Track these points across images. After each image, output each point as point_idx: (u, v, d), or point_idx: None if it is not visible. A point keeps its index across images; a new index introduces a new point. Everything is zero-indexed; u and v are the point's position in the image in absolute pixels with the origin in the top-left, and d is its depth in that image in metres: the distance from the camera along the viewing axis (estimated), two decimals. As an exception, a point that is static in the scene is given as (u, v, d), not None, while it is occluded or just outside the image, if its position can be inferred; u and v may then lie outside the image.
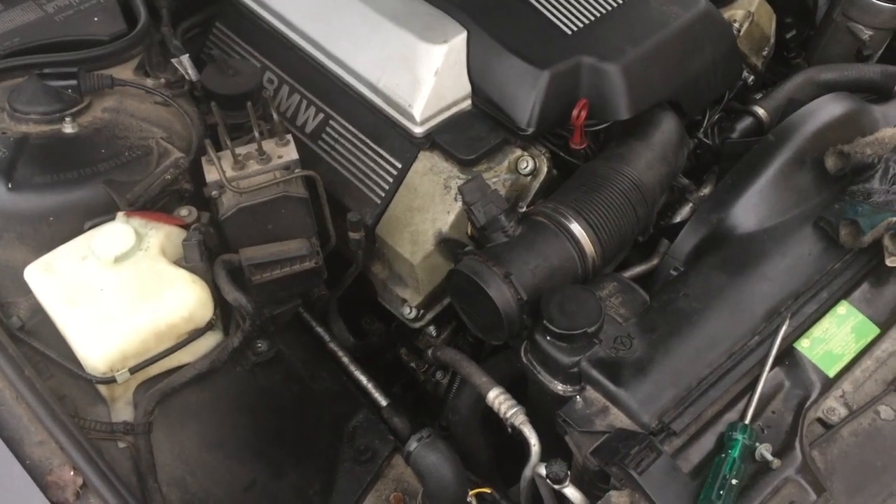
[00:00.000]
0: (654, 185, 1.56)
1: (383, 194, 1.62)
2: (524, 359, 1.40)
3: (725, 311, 1.37)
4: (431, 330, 1.72)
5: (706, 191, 1.79)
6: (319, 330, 1.78)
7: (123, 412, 1.31)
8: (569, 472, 1.23)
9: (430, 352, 1.66)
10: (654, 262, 1.66)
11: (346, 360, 1.76)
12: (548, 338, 1.34)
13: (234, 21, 1.88)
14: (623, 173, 1.52)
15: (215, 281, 1.37)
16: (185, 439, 1.35)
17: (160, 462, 1.31)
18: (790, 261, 1.43)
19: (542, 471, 1.27)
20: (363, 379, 1.74)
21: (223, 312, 1.42)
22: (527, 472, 1.38)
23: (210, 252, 1.40)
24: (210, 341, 1.38)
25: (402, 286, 1.65)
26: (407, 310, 1.64)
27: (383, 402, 1.70)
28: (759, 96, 1.94)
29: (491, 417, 1.62)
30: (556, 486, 1.24)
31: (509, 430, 1.46)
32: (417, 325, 1.66)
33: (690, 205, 1.77)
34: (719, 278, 1.41)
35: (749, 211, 1.50)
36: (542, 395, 1.39)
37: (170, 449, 1.33)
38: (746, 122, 1.81)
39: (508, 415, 1.40)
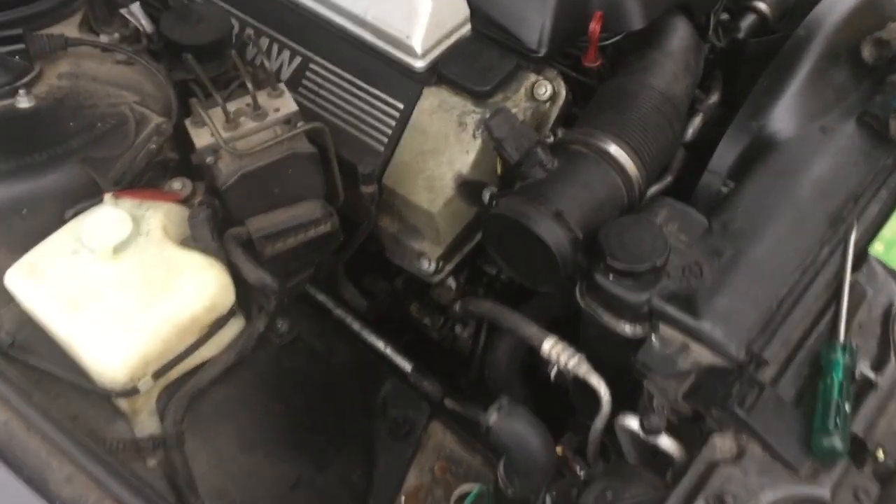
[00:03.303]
0: (682, 96, 1.44)
1: (386, 140, 1.45)
2: (581, 302, 1.27)
3: (789, 224, 1.27)
4: (450, 282, 1.58)
5: (714, 98, 1.68)
6: (323, 298, 1.62)
7: (148, 425, 1.13)
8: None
9: (457, 306, 1.52)
10: (668, 179, 1.55)
11: (357, 326, 1.60)
12: (610, 276, 1.21)
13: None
14: (652, 87, 1.39)
15: (230, 259, 1.19)
16: (220, 444, 1.19)
17: (198, 475, 1.15)
18: (841, 161, 1.34)
19: (633, 423, 1.16)
20: (381, 344, 1.59)
21: (239, 295, 1.24)
22: (597, 424, 1.27)
23: (216, 227, 1.21)
24: (234, 329, 1.21)
25: (417, 239, 1.50)
26: (426, 264, 1.49)
27: (408, 367, 1.56)
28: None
29: (531, 369, 1.51)
30: (650, 438, 1.13)
31: (559, 378, 1.35)
32: (437, 278, 1.52)
33: (701, 115, 1.66)
34: (774, 189, 1.31)
35: (790, 113, 1.39)
36: (604, 339, 1.27)
37: (206, 458, 1.17)
38: (750, 19, 1.70)
39: (570, 364, 1.28)
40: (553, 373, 1.43)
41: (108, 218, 1.12)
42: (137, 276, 1.10)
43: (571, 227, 1.23)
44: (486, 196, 1.42)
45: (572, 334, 1.35)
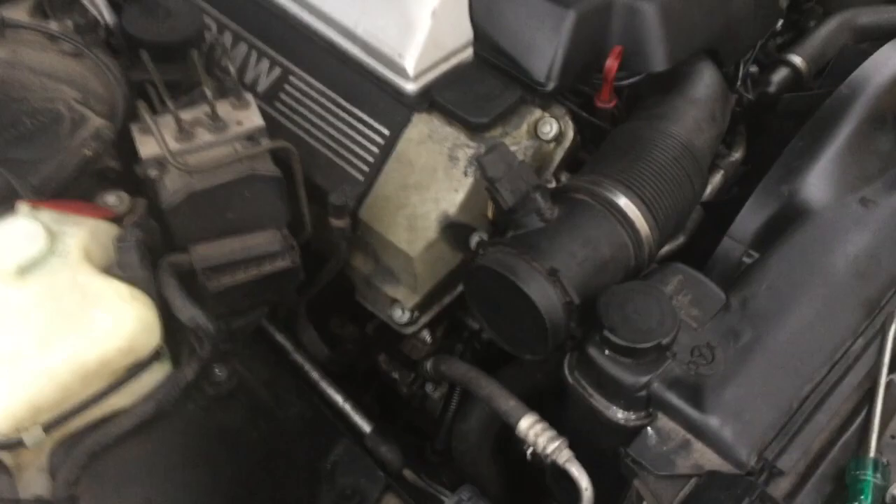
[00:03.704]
0: (705, 149, 1.27)
1: (367, 169, 1.28)
2: (569, 377, 1.09)
3: (818, 308, 1.09)
4: (425, 335, 1.39)
5: (738, 155, 1.52)
6: (282, 339, 1.43)
7: (35, 484, 0.94)
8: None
9: (427, 364, 1.34)
10: (680, 240, 1.37)
11: (316, 375, 1.41)
12: (606, 352, 1.03)
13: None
14: (672, 135, 1.21)
15: (161, 293, 1.00)
16: (118, 506, 0.99)
17: (94, 546, 0.95)
18: (882, 238, 1.16)
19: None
20: (339, 399, 1.40)
21: (169, 334, 1.05)
22: (579, 521, 1.08)
23: (151, 253, 1.03)
24: (156, 375, 1.02)
25: (392, 283, 1.32)
26: (398, 312, 1.31)
27: (366, 428, 1.37)
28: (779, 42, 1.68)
29: (506, 443, 1.32)
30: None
31: (536, 460, 1.16)
32: (410, 329, 1.33)
33: (722, 172, 1.49)
34: (804, 266, 1.13)
35: (826, 180, 1.22)
36: (591, 424, 1.09)
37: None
38: (782, 73, 1.54)
39: (549, 450, 1.10)
40: (529, 452, 1.25)
41: (18, 231, 0.94)
42: (42, 304, 0.92)
43: (567, 290, 1.06)
44: (474, 242, 1.25)
45: (555, 409, 1.17)
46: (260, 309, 1.21)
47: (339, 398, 1.39)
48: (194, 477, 1.07)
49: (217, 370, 1.12)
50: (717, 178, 1.49)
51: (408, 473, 1.32)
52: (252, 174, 1.06)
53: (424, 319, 1.33)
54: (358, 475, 1.28)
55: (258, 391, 1.25)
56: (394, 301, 1.31)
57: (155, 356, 0.99)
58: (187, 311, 0.99)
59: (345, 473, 1.28)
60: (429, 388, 1.48)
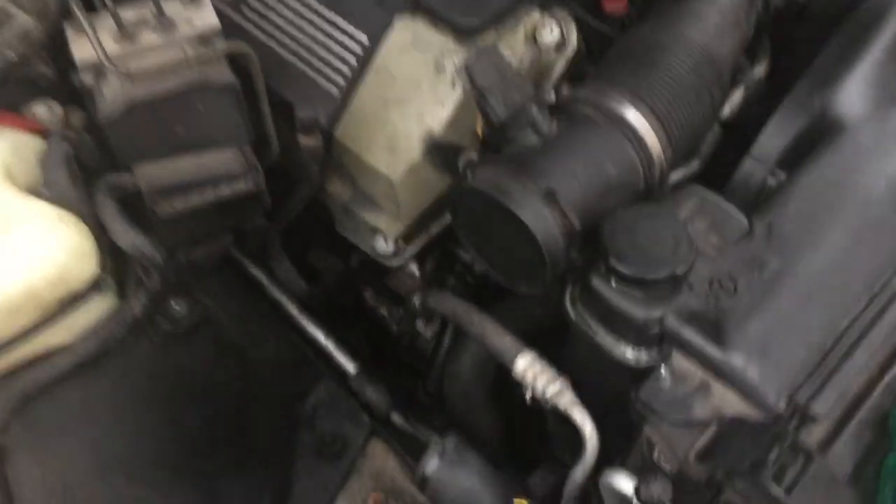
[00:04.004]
0: (727, 58, 1.11)
1: (343, 82, 1.13)
2: (571, 312, 0.96)
3: (855, 233, 0.96)
4: (412, 268, 1.26)
5: (761, 69, 1.36)
6: (256, 272, 1.31)
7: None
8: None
9: (415, 299, 1.21)
10: (694, 165, 1.23)
11: (295, 310, 1.29)
12: (613, 283, 0.90)
13: None
14: (690, 41, 1.06)
15: (98, 216, 0.87)
16: (63, 463, 0.88)
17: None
18: (927, 159, 1.02)
19: (624, 484, 0.85)
20: (320, 336, 1.27)
21: (115, 263, 0.92)
22: (577, 475, 0.97)
23: (87, 172, 0.90)
24: (97, 310, 0.89)
25: (373, 211, 1.18)
26: (381, 243, 1.18)
27: (351, 369, 1.25)
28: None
29: (503, 386, 1.20)
30: (649, 511, 0.82)
31: (535, 403, 1.04)
32: (395, 262, 1.20)
33: (742, 87, 1.34)
34: (838, 186, 0.99)
35: (864, 91, 1.07)
36: (596, 364, 0.97)
37: (41, 482, 0.86)
38: (808, -32, 1.37)
39: (549, 392, 0.98)
40: (529, 395, 1.13)
41: (-73, 144, 0.80)
42: (-45, 228, 0.79)
43: (566, 213, 0.92)
44: (463, 163, 1.11)
45: (557, 349, 1.04)
46: (222, 237, 1.07)
47: (320, 335, 1.27)
48: (149, 422, 0.95)
49: (174, 304, 0.99)
50: (736, 95, 1.32)
51: (396, 417, 1.20)
52: (204, 81, 0.92)
53: (411, 251, 1.20)
54: (340, 419, 1.17)
55: (226, 328, 1.13)
56: (375, 231, 1.18)
57: (93, 288, 0.86)
58: (128, 237, 0.86)
59: (325, 418, 1.17)
60: (420, 325, 1.36)
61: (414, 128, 1.09)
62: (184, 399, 1.00)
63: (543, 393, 0.98)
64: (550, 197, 0.91)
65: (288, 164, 1.15)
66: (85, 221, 0.85)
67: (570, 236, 0.93)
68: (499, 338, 1.02)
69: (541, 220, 0.91)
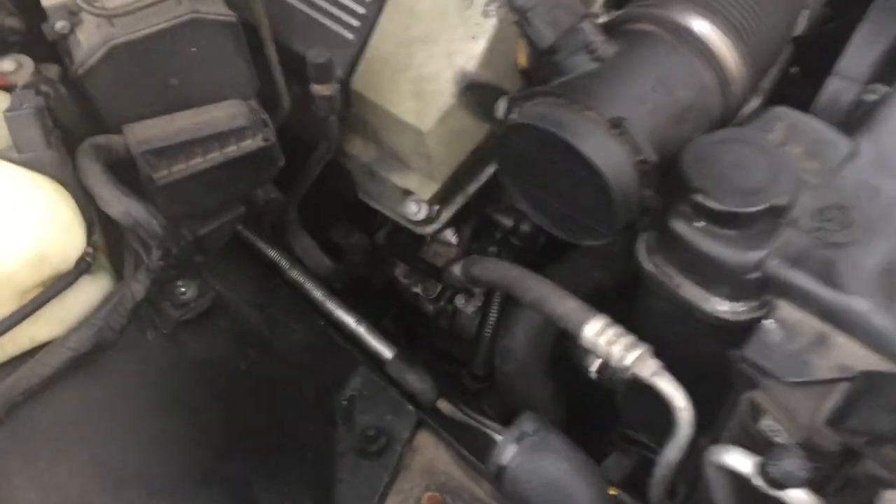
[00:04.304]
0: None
1: (357, 24, 0.99)
2: (648, 264, 0.82)
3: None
4: (449, 235, 1.12)
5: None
6: (272, 253, 1.16)
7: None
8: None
9: (454, 270, 1.06)
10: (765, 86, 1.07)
11: (320, 294, 1.15)
12: (699, 223, 0.76)
13: None
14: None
15: (84, 183, 0.73)
16: (65, 478, 0.73)
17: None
18: None
19: (741, 463, 0.70)
20: (351, 321, 1.13)
21: (108, 240, 0.78)
22: (669, 456, 0.82)
23: (68, 134, 0.76)
24: (90, 296, 0.75)
25: (401, 171, 1.04)
26: (413, 207, 1.03)
27: (388, 353, 1.10)
28: None
29: (561, 360, 1.06)
30: (776, 492, 0.67)
31: (603, 376, 0.90)
32: (430, 229, 1.06)
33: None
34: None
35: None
36: (680, 323, 0.82)
37: (39, 500, 0.71)
38: None
39: (628, 360, 0.82)
40: (595, 368, 0.98)
41: None
42: None
43: (637, 144, 0.77)
44: (502, 107, 0.96)
45: (626, 314, 0.90)
46: (232, 210, 0.93)
47: (350, 320, 1.12)
48: (165, 424, 0.81)
49: (182, 287, 0.85)
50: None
51: (443, 405, 1.06)
52: (195, 18, 0.78)
53: (446, 215, 1.05)
54: (382, 411, 1.03)
55: (244, 314, 0.99)
56: (406, 193, 1.04)
57: (81, 268, 0.72)
58: (119, 205, 0.72)
59: (365, 410, 1.03)
60: (459, 301, 1.21)
61: (443, 68, 0.94)
62: (203, 396, 0.86)
63: (620, 362, 0.83)
64: (618, 126, 0.77)
65: (300, 126, 1.01)
66: (66, 188, 0.71)
67: (642, 171, 0.78)
68: (561, 303, 0.87)
69: (607, 152, 0.77)
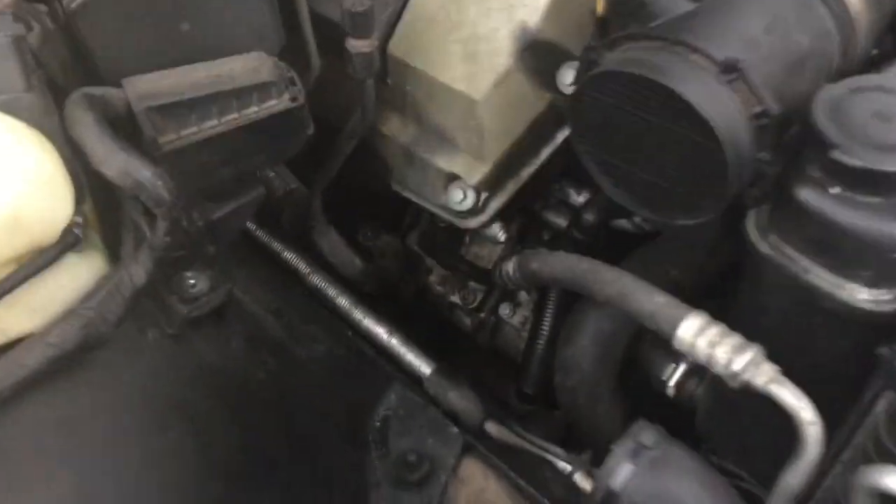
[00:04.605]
0: None
1: (396, -22, 0.85)
2: (762, 246, 0.67)
3: None
4: (497, 230, 0.97)
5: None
6: (291, 255, 1.02)
7: None
8: None
9: (509, 266, 0.91)
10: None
11: (345, 302, 1.00)
12: (836, 188, 0.61)
13: None
14: None
15: (73, 136, 0.58)
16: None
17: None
18: None
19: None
20: (382, 332, 0.98)
21: (103, 214, 0.63)
22: (792, 480, 0.66)
23: (53, 86, 0.61)
24: (77, 279, 0.60)
25: (445, 152, 0.89)
26: (457, 195, 0.89)
27: (426, 368, 0.95)
28: None
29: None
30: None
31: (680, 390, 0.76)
32: (475, 221, 0.91)
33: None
34: None
35: None
36: (803, 317, 0.67)
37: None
38: None
39: (738, 364, 0.67)
40: (674, 381, 0.84)
41: None
42: None
43: (757, 91, 0.63)
44: (569, 73, 0.82)
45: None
46: (251, 190, 0.78)
47: (381, 330, 0.97)
48: (166, 443, 0.65)
49: (191, 279, 0.70)
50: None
51: (492, 427, 0.90)
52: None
53: (495, 204, 0.91)
54: (422, 433, 0.87)
55: (261, 318, 0.84)
56: (451, 178, 0.89)
57: (69, 242, 0.57)
58: (115, 162, 0.57)
59: (402, 432, 0.88)
60: (504, 310, 1.06)
61: (501, 25, 0.81)
62: (213, 410, 0.70)
63: (727, 367, 0.67)
64: (732, 70, 0.62)
65: (324, 107, 0.86)
66: (51, 140, 0.56)
67: (759, 127, 0.63)
68: (649, 297, 0.72)
69: (718, 102, 0.62)
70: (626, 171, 0.71)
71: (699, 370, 0.85)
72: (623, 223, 0.99)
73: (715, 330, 0.69)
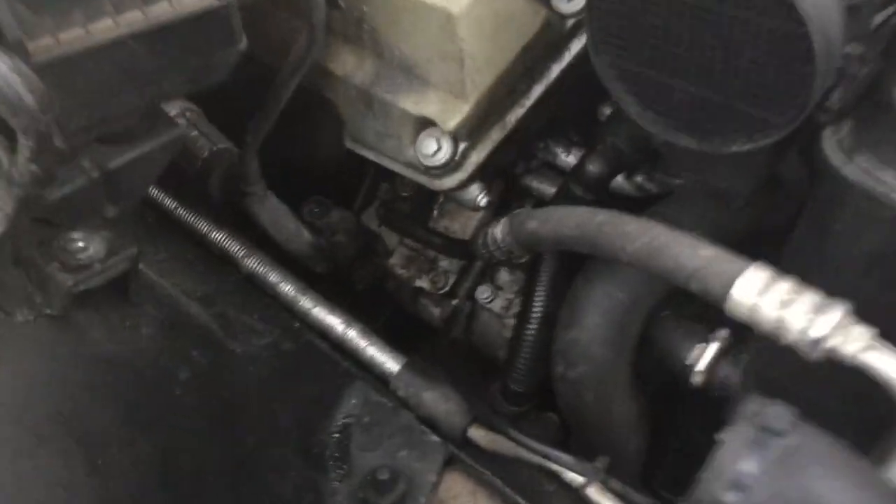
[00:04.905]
0: None
1: None
2: (848, 169, 0.51)
3: None
4: (476, 192, 0.79)
5: None
6: (221, 235, 0.83)
7: None
8: None
9: (496, 230, 0.73)
10: None
11: (290, 289, 0.81)
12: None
13: None
14: None
15: None
16: None
17: None
18: None
19: None
20: (338, 323, 0.79)
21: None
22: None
23: None
24: None
25: (415, 90, 0.72)
26: (431, 145, 0.72)
27: (392, 365, 0.76)
28: None
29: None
30: None
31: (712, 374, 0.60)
32: (451, 180, 0.74)
33: None
34: None
35: None
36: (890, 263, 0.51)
37: None
38: None
39: (822, 328, 0.50)
40: (703, 365, 0.68)
41: None
42: None
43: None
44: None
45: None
46: (163, 132, 0.59)
47: (336, 321, 0.78)
48: (30, 471, 0.45)
49: (79, 240, 0.51)
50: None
51: (477, 433, 0.72)
52: None
53: (476, 157, 0.73)
54: (393, 444, 0.69)
55: (183, 304, 0.64)
56: (421, 124, 0.72)
57: None
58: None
59: (368, 444, 0.69)
60: (483, 294, 0.88)
61: (484, -82, 0.64)
62: (110, 424, 0.51)
63: (806, 333, 0.51)
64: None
65: (263, 36, 0.68)
66: None
67: (850, 6, 0.47)
68: (692, 250, 0.55)
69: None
70: (662, 86, 0.55)
71: (735, 349, 0.69)
72: (622, 184, 0.82)
73: (786, 286, 0.52)
